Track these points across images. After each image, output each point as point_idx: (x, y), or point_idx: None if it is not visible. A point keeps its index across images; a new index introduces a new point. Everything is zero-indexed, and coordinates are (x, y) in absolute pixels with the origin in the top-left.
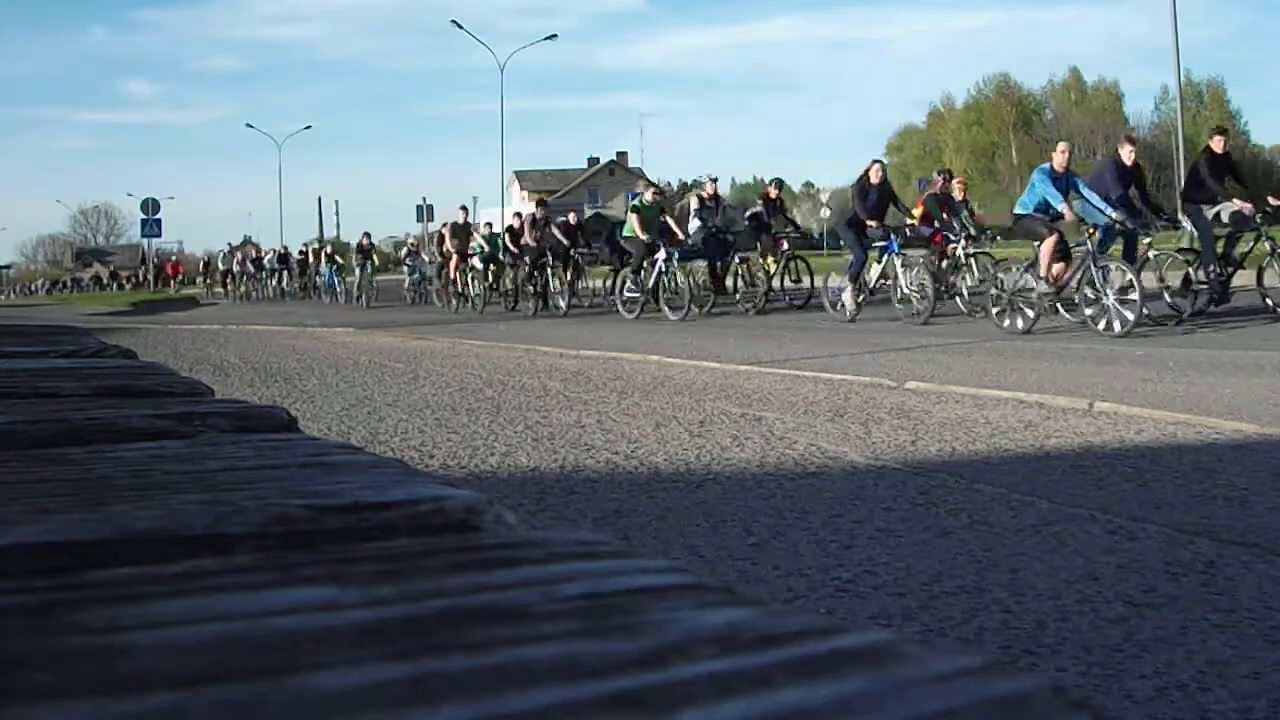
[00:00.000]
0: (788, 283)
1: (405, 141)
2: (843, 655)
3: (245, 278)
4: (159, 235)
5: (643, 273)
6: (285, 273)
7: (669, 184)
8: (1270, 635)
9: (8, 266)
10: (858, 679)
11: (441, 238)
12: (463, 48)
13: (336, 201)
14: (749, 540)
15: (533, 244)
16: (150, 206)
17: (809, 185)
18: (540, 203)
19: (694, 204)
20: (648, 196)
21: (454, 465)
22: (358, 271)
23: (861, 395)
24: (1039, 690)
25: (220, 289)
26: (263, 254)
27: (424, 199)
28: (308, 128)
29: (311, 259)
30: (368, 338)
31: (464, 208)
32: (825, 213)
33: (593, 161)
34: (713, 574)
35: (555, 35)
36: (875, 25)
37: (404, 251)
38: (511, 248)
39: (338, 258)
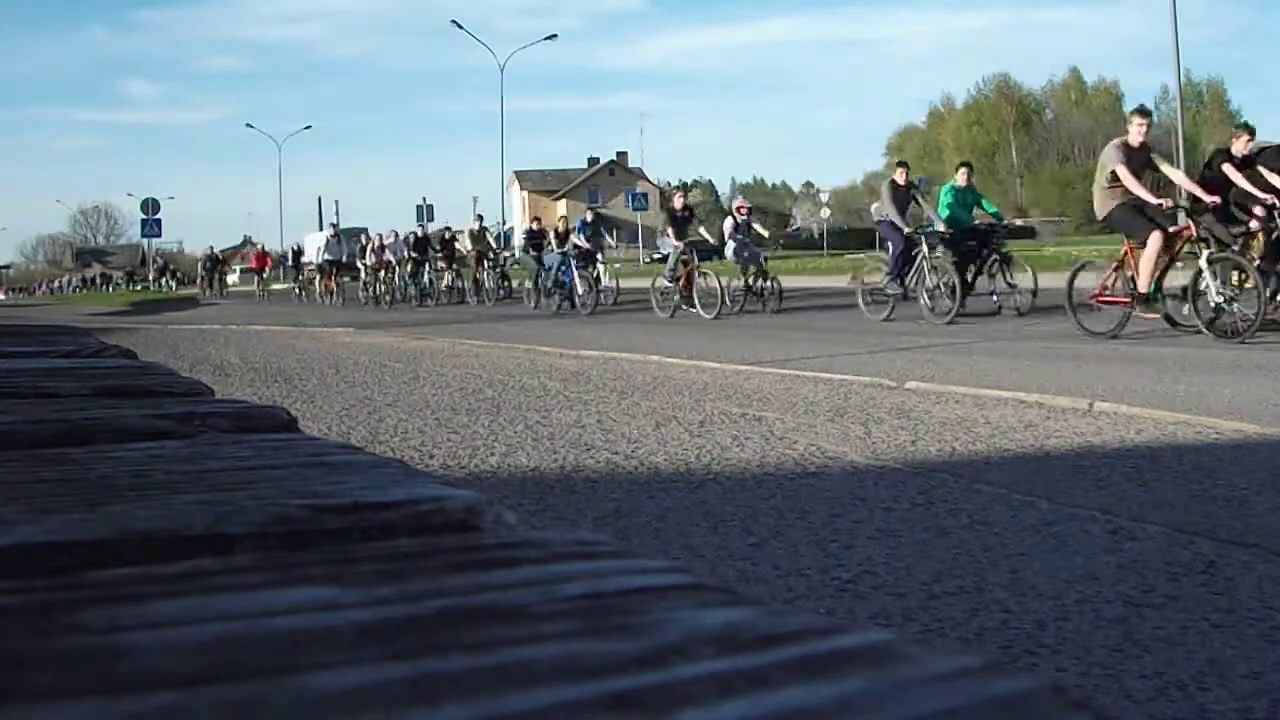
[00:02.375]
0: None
1: (405, 141)
2: (843, 655)
3: (390, 272)
4: (159, 235)
5: None
6: (425, 265)
7: (668, 184)
8: (1270, 635)
9: (7, 266)
10: (858, 679)
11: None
12: (463, 48)
13: (336, 201)
14: (749, 540)
15: None
16: (150, 206)
17: (809, 185)
18: None
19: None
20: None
21: (454, 465)
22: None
23: (861, 395)
24: (1039, 690)
25: (321, 286)
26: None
27: (424, 199)
28: (308, 128)
29: (470, 245)
30: (368, 338)
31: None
32: (825, 212)
33: (593, 161)
34: (713, 574)
35: (555, 35)
36: (875, 25)
37: (727, 225)
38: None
39: (576, 240)
